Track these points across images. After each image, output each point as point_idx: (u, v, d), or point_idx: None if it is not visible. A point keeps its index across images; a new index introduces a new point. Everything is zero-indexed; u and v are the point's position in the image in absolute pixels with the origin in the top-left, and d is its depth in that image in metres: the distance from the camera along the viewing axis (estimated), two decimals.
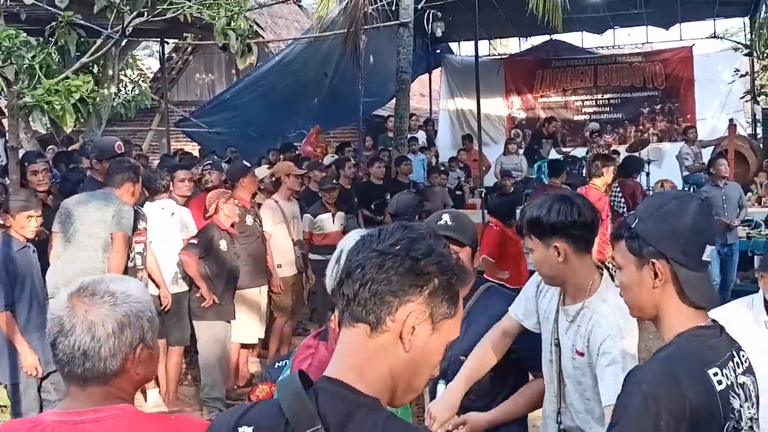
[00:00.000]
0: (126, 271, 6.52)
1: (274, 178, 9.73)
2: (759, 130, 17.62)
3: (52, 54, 6.44)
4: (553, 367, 3.34)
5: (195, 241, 7.59)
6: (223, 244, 7.65)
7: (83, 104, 5.59)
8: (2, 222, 6.27)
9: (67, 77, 5.85)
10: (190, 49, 20.46)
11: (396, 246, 1.70)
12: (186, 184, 8.24)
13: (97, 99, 6.36)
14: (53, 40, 6.46)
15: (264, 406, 1.81)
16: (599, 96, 19.80)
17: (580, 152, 16.04)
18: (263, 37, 16.81)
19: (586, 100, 19.93)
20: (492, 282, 3.92)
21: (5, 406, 6.93)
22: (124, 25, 6.96)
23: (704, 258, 2.37)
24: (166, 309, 7.54)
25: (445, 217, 3.66)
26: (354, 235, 2.55)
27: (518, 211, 4.23)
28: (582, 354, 3.17)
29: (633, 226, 2.42)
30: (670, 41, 19.81)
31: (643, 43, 21.17)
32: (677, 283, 2.36)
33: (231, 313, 7.81)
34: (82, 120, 6.26)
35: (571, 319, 3.23)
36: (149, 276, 7.40)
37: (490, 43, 21.34)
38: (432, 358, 1.76)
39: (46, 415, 2.29)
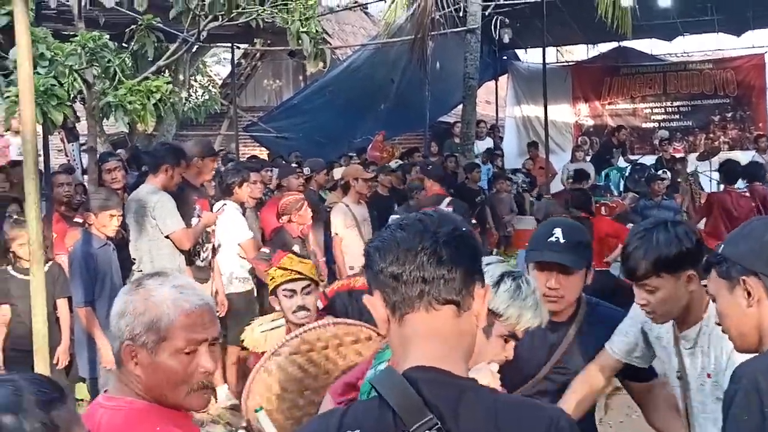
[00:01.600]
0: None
1: (343, 182, 9.81)
2: None
3: (127, 58, 6.62)
4: (680, 403, 3.18)
5: (267, 250, 7.73)
6: (295, 249, 7.76)
7: (162, 104, 5.74)
8: (83, 220, 6.45)
9: (146, 78, 6.02)
10: (258, 55, 20.72)
11: (459, 230, 1.78)
12: (258, 186, 8.39)
13: (175, 100, 6.51)
14: (132, 43, 6.65)
15: (362, 406, 1.81)
16: (668, 103, 19.54)
17: (648, 160, 15.87)
18: (331, 44, 16.95)
19: (655, 107, 19.69)
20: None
21: (82, 400, 7.10)
22: (200, 29, 7.12)
23: None
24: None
25: (557, 233, 3.31)
26: None
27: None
28: (710, 375, 3.02)
29: (720, 251, 2.38)
30: (741, 48, 19.47)
31: (713, 50, 20.83)
32: None
33: None
34: (159, 117, 6.35)
35: (692, 345, 3.07)
36: None
37: (557, 50, 21.22)
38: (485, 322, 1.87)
39: (101, 397, 2.36)
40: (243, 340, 4.43)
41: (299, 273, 4.28)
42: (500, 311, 2.70)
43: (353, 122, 16.36)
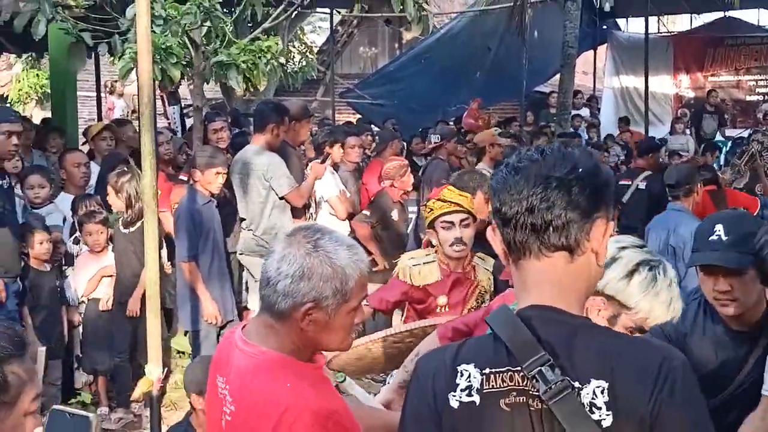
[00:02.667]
0: None
1: (477, 147, 9.75)
2: None
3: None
4: None
5: (368, 213, 7.80)
6: (394, 214, 7.84)
7: (272, 63, 5.85)
8: (187, 178, 6.62)
9: (257, 38, 6.13)
10: (355, 22, 20.81)
11: (574, 171, 1.74)
12: (356, 151, 8.45)
13: (283, 61, 6.61)
14: (240, 6, 6.77)
15: (476, 342, 1.84)
16: None
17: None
18: (429, 11, 16.89)
19: (761, 80, 19.08)
20: None
21: (183, 352, 7.33)
22: None
23: None
24: None
25: (719, 230, 3.02)
26: None
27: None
28: None
29: None
30: None
31: None
32: None
33: None
34: (270, 75, 6.46)
35: None
36: None
37: (659, 20, 20.71)
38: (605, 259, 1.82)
39: (237, 330, 2.42)
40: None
41: (458, 205, 4.39)
42: (630, 304, 2.52)
43: (448, 90, 16.29)
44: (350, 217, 7.84)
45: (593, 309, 2.52)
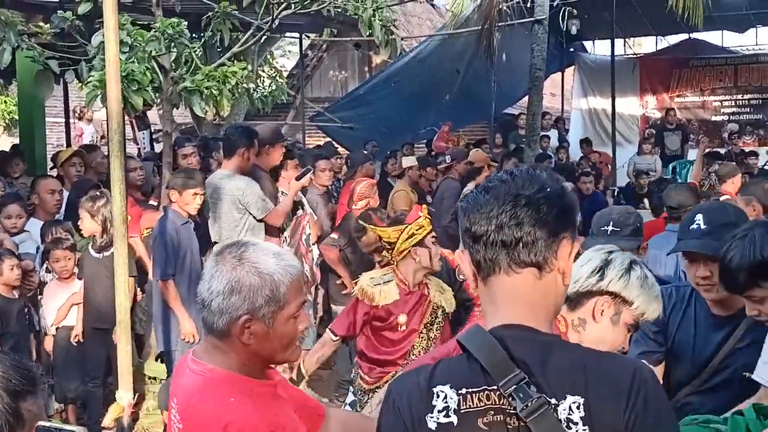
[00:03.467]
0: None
1: (473, 167, 9.91)
2: None
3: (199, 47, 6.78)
4: None
5: (336, 236, 7.82)
6: None
7: (237, 89, 5.86)
8: (157, 203, 6.61)
9: (222, 64, 6.15)
10: (324, 46, 20.86)
11: (542, 191, 1.79)
12: (327, 174, 8.49)
13: (249, 86, 6.63)
14: (207, 31, 6.79)
15: (451, 363, 1.85)
16: (739, 96, 19.17)
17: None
18: (397, 35, 16.98)
19: (725, 100, 19.33)
20: None
21: (155, 378, 7.28)
22: (273, 17, 7.23)
23: None
24: None
25: (699, 219, 3.28)
26: None
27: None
28: None
29: None
30: None
31: None
32: None
33: None
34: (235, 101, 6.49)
35: None
36: None
37: (625, 42, 20.98)
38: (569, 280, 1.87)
39: (190, 351, 2.46)
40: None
41: None
42: (631, 299, 2.69)
43: (418, 113, 16.37)
44: (319, 240, 7.87)
45: (598, 310, 2.68)
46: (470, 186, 9.05)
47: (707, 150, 15.53)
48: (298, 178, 6.89)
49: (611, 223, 4.11)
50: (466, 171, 10.12)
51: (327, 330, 4.76)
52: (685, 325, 3.41)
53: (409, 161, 10.74)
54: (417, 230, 4.62)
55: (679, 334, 3.39)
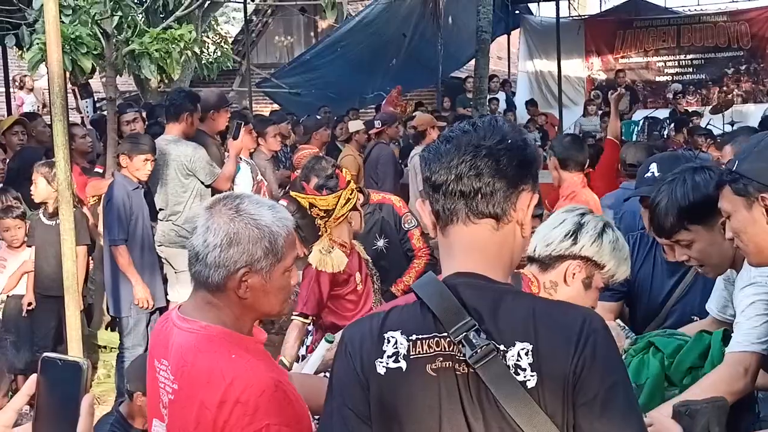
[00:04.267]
0: None
1: (416, 131, 9.75)
2: None
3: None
4: None
5: (285, 203, 7.78)
6: None
7: (185, 52, 5.78)
8: (103, 170, 6.52)
9: (169, 27, 6.05)
10: (270, 12, 20.64)
11: (503, 142, 1.79)
12: (275, 139, 8.46)
13: (196, 50, 6.53)
14: None
15: (403, 310, 1.85)
16: (682, 57, 19.40)
17: (662, 114, 15.84)
18: None
19: (669, 61, 19.56)
20: None
21: (105, 346, 7.22)
22: None
23: None
24: None
25: (653, 168, 3.44)
26: None
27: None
28: None
29: (734, 168, 2.35)
30: (755, 0, 19.31)
31: (727, 3, 20.64)
32: None
33: None
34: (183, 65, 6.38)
35: None
36: None
37: (570, 3, 21.07)
38: (530, 231, 1.88)
39: (173, 311, 2.40)
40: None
41: None
42: (603, 263, 2.74)
43: (365, 78, 16.32)
44: None
45: (570, 274, 2.72)
46: (417, 149, 9.06)
47: (652, 113, 15.84)
48: (234, 137, 6.79)
49: None
50: (412, 135, 10.10)
51: (294, 316, 4.69)
52: (646, 268, 3.53)
53: (355, 125, 10.70)
54: (351, 195, 4.66)
55: (639, 277, 3.50)
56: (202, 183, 6.52)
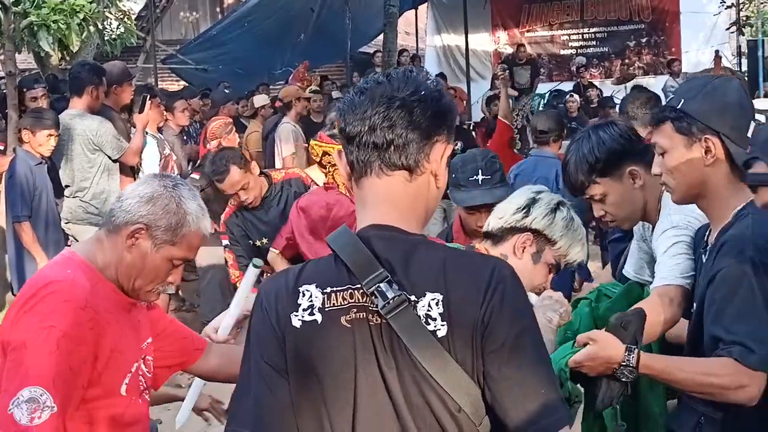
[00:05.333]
0: None
1: (283, 103, 9.77)
2: (743, 62, 17.71)
3: None
4: None
5: (196, 176, 7.71)
6: None
7: (86, 24, 5.63)
8: (3, 146, 6.34)
9: None
10: None
11: (417, 93, 1.79)
12: (184, 114, 8.42)
13: (99, 20, 6.38)
14: None
15: (318, 263, 1.87)
16: (585, 30, 19.75)
17: (566, 86, 16.12)
18: None
19: (573, 34, 19.88)
20: None
21: None
22: None
23: (749, 134, 2.35)
24: None
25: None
26: None
27: None
28: None
29: (679, 106, 2.41)
30: None
31: None
32: (729, 159, 2.37)
33: None
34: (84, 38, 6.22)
35: None
36: None
37: None
38: (445, 182, 1.89)
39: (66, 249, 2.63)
40: None
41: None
42: (554, 238, 2.76)
43: (273, 53, 16.16)
44: None
45: (519, 246, 2.74)
46: (285, 120, 9.10)
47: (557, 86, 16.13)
48: (140, 111, 6.68)
49: (480, 171, 3.95)
50: (279, 107, 10.06)
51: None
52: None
53: (260, 100, 10.65)
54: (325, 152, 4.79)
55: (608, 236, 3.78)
56: (110, 158, 6.40)
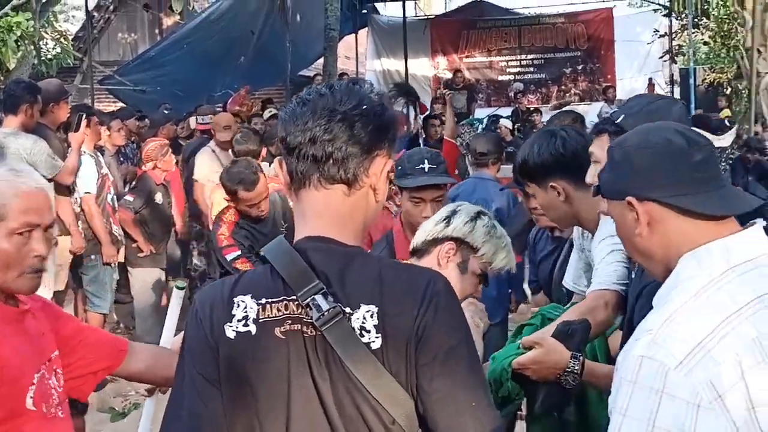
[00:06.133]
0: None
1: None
2: (676, 90, 18.12)
3: None
4: None
5: (131, 198, 7.63)
6: (158, 197, 7.75)
7: (23, 41, 5.54)
8: None
9: (6, 14, 5.79)
10: (112, 7, 20.06)
11: (359, 107, 1.78)
12: (120, 134, 8.42)
13: (35, 39, 6.28)
14: None
15: (254, 274, 1.86)
16: (523, 56, 20.08)
17: (505, 112, 16.32)
18: None
19: (511, 60, 20.20)
20: None
21: None
22: None
23: None
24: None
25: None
26: None
27: None
28: None
29: (619, 121, 2.47)
30: (591, 2, 20.18)
31: (565, 5, 21.49)
32: None
33: (164, 261, 8.03)
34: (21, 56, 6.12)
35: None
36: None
37: (416, 4, 21.43)
38: (385, 196, 1.89)
39: None
40: None
41: None
42: (477, 246, 2.77)
43: (212, 75, 16.07)
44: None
45: (443, 256, 2.76)
46: (211, 145, 8.65)
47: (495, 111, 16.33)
48: (75, 130, 6.58)
49: (426, 161, 4.05)
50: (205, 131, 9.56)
51: None
52: (540, 245, 4.01)
53: (194, 122, 10.55)
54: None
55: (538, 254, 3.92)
56: (44, 177, 6.28)
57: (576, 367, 2.45)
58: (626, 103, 2.58)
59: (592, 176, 2.57)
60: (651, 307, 2.24)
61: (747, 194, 2.33)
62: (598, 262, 2.83)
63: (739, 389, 1.64)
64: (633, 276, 2.61)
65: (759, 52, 12.78)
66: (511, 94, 18.28)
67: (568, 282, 3.28)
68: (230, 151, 8.51)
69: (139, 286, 7.74)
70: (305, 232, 1.83)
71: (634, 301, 2.49)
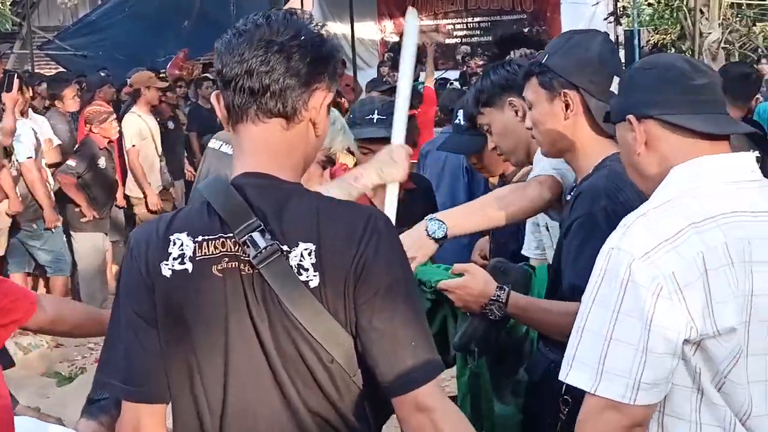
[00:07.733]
0: None
1: (132, 89, 9.11)
2: (621, 51, 18.24)
3: None
4: None
5: (73, 163, 7.51)
6: (101, 161, 7.64)
7: None
8: None
9: None
10: None
11: (297, 38, 1.73)
12: (75, 101, 8.43)
13: None
14: None
15: (190, 211, 1.82)
16: (470, 19, 20.00)
17: (452, 75, 16.29)
18: None
19: (458, 23, 20.12)
20: None
21: None
22: None
23: (612, 89, 2.37)
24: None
25: (460, 115, 3.75)
26: None
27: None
28: None
29: (544, 61, 2.45)
30: None
31: None
32: (589, 113, 2.41)
33: (108, 225, 8.00)
34: None
35: None
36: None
37: None
38: (326, 131, 1.86)
39: None
40: None
41: None
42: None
43: (155, 40, 15.86)
44: (57, 166, 7.59)
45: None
46: (134, 110, 8.53)
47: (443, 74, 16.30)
48: (8, 90, 6.41)
49: (376, 111, 3.96)
50: (130, 93, 9.44)
51: None
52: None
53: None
54: None
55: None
56: None
57: (502, 296, 2.45)
58: (549, 44, 2.57)
59: (528, 119, 2.56)
60: (580, 242, 2.29)
61: (741, 122, 2.39)
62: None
63: (700, 284, 1.73)
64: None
65: (702, 12, 12.89)
66: (459, 57, 18.22)
67: (527, 252, 3.26)
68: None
69: (83, 250, 7.64)
70: (243, 167, 1.79)
71: (562, 236, 2.49)
